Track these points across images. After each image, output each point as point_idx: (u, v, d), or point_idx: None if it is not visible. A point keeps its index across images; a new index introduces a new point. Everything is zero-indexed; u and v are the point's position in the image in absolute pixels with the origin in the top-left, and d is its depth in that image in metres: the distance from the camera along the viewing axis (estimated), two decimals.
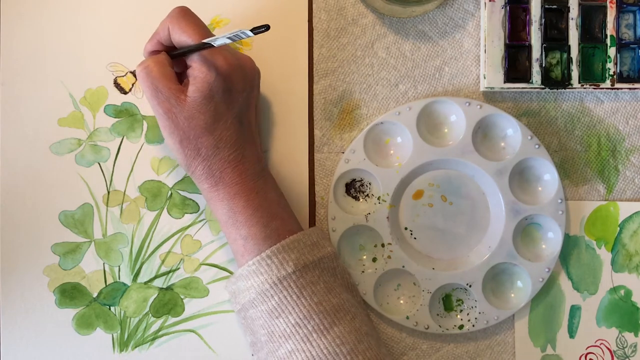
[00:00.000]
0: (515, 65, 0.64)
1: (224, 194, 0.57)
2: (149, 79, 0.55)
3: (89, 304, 0.64)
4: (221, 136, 0.56)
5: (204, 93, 0.55)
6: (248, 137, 0.58)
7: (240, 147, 0.57)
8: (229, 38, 0.50)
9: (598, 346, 0.65)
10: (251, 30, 0.48)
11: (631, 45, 0.64)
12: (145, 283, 0.64)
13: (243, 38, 0.50)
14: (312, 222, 0.64)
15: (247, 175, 0.57)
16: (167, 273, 0.64)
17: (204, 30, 0.55)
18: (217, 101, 0.55)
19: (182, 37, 0.55)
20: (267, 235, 0.57)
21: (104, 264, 0.64)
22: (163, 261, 0.64)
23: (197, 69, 0.55)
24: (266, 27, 0.47)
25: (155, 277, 0.64)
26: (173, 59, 0.57)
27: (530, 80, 0.63)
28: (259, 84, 0.60)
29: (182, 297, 0.64)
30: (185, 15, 0.56)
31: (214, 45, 0.52)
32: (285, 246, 0.56)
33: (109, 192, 0.64)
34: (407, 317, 0.63)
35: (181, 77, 0.58)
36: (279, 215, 0.58)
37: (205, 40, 0.53)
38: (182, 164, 0.57)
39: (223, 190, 0.57)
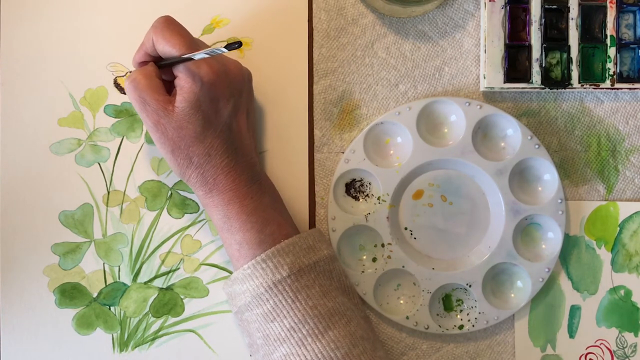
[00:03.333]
0: (515, 65, 0.64)
1: (219, 200, 0.57)
2: (137, 92, 0.56)
3: (89, 304, 0.64)
4: (212, 144, 0.56)
5: (191, 103, 0.55)
6: (240, 143, 0.58)
7: (232, 153, 0.57)
8: (206, 53, 0.52)
9: (598, 346, 0.65)
10: (225, 47, 0.49)
11: (631, 45, 0.64)
12: (145, 283, 0.64)
13: (219, 53, 0.51)
14: (312, 222, 0.65)
15: (240, 181, 0.57)
16: (167, 273, 0.64)
17: (188, 39, 0.55)
18: (205, 110, 0.55)
19: (167, 48, 0.55)
20: (261, 240, 0.57)
21: (104, 264, 0.64)
22: (163, 261, 0.64)
23: (182, 79, 0.55)
24: (239, 44, 0.49)
25: (155, 277, 0.64)
26: (161, 69, 0.58)
27: (530, 80, 0.63)
28: (249, 88, 0.60)
29: (182, 297, 0.64)
30: (168, 25, 0.56)
31: (194, 59, 0.53)
32: (281, 250, 0.56)
33: (109, 192, 0.64)
34: (407, 317, 0.63)
35: (172, 85, 0.58)
36: (274, 219, 0.58)
37: (185, 56, 0.54)
38: (176, 172, 0.58)
39: (217, 196, 0.57)
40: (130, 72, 0.64)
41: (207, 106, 0.55)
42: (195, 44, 0.56)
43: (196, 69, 0.55)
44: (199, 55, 0.52)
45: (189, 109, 0.55)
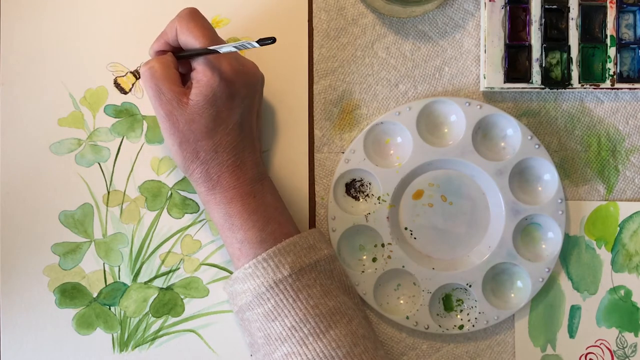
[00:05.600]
0: (515, 65, 0.64)
1: (221, 197, 0.57)
2: (153, 80, 0.55)
3: (89, 304, 0.64)
4: (221, 141, 0.56)
5: (207, 97, 0.55)
6: (248, 143, 0.58)
7: (240, 152, 0.57)
8: (235, 47, 0.51)
9: (598, 346, 0.65)
10: (257, 42, 0.48)
11: (631, 45, 0.64)
12: (145, 283, 0.64)
13: (249, 48, 0.50)
14: (312, 222, 0.65)
15: (244, 180, 0.57)
16: (167, 273, 0.64)
17: (212, 33, 0.55)
18: (219, 106, 0.55)
19: (189, 39, 0.55)
20: (262, 239, 0.57)
21: (104, 264, 0.64)
22: (163, 261, 0.64)
23: (201, 72, 0.55)
24: (272, 40, 0.48)
25: (155, 277, 0.64)
26: (179, 60, 0.57)
27: (530, 80, 0.63)
28: (262, 90, 0.60)
29: (182, 297, 0.64)
30: (194, 16, 0.55)
31: (220, 52, 0.52)
32: (282, 249, 0.56)
33: (109, 192, 0.64)
34: (407, 317, 0.63)
35: (185, 78, 0.58)
36: (275, 219, 0.58)
37: (211, 47, 0.53)
38: (180, 166, 0.57)
39: (220, 194, 0.57)
40: (131, 72, 0.64)
41: (222, 103, 0.55)
42: (217, 39, 0.55)
43: (216, 63, 0.54)
44: (225, 49, 0.51)
45: (204, 103, 0.55)
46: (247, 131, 0.57)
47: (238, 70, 0.56)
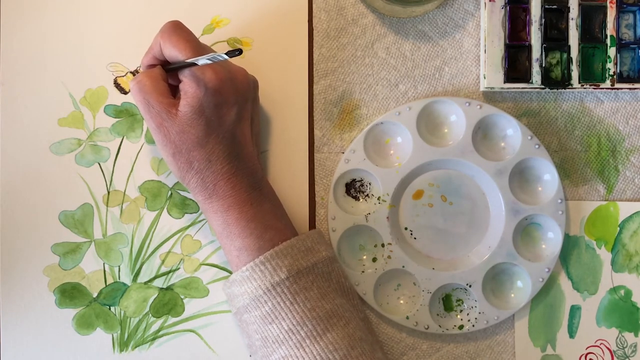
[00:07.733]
0: (515, 65, 0.64)
1: (218, 206, 0.57)
2: (142, 94, 0.56)
3: (89, 304, 0.64)
4: (213, 150, 0.56)
5: (194, 108, 0.55)
6: (242, 150, 0.58)
7: (234, 160, 0.57)
8: (208, 59, 0.51)
9: (598, 346, 0.65)
10: (226, 54, 0.50)
11: (631, 45, 0.64)
12: (145, 283, 0.64)
13: (220, 60, 0.51)
14: (312, 222, 0.65)
15: (241, 187, 0.57)
16: (167, 273, 0.64)
17: (195, 45, 0.56)
18: (208, 115, 0.55)
19: (174, 52, 0.55)
20: (260, 247, 0.57)
21: (104, 264, 0.64)
22: (163, 261, 0.64)
23: (187, 83, 0.55)
24: (239, 51, 0.49)
25: (155, 277, 0.64)
26: (168, 73, 0.58)
27: (530, 80, 0.63)
28: (255, 95, 0.60)
29: (182, 297, 0.64)
30: (176, 30, 0.56)
31: (198, 64, 0.53)
32: (279, 252, 0.56)
33: (109, 192, 0.64)
34: (407, 317, 0.63)
35: (178, 89, 0.58)
36: (273, 226, 0.58)
37: (189, 60, 0.54)
38: (176, 176, 0.58)
39: (217, 202, 0.57)
40: (131, 72, 0.64)
41: (211, 112, 0.55)
42: (202, 50, 0.56)
43: (201, 74, 0.55)
44: (202, 61, 0.52)
45: (192, 114, 0.55)
46: (241, 138, 0.57)
47: (224, 78, 0.56)
